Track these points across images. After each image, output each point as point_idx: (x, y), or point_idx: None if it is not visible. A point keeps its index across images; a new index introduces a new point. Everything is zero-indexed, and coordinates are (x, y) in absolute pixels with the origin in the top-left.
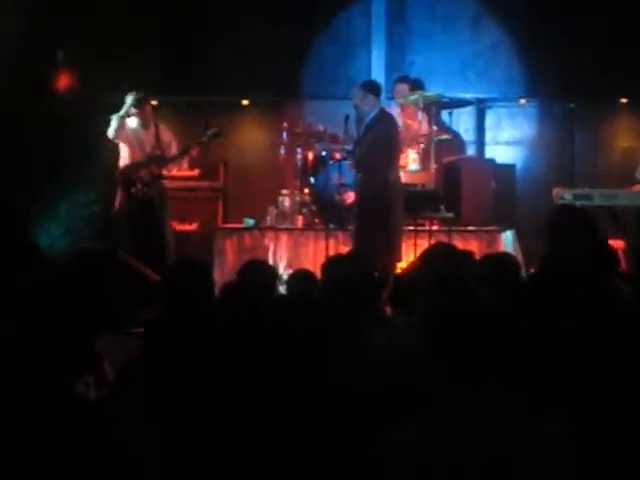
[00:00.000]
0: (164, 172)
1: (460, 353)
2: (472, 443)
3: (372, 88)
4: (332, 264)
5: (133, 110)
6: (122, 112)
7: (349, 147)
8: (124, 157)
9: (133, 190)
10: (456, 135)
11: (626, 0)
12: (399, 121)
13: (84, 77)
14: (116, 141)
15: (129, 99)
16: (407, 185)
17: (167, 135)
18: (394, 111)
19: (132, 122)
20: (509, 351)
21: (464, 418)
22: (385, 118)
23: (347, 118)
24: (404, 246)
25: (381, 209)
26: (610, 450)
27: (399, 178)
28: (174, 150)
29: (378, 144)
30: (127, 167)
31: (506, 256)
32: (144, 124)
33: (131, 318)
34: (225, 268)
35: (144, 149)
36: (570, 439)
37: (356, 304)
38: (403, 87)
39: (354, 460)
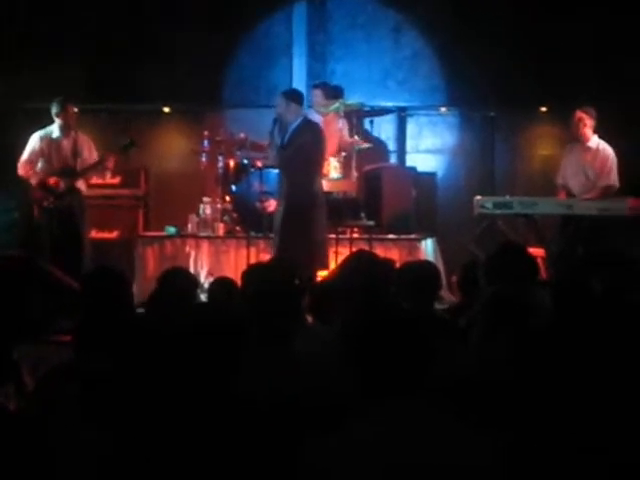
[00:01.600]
0: (78, 183)
1: (379, 361)
2: (391, 452)
3: (294, 96)
4: (253, 272)
5: (56, 112)
6: (41, 133)
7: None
8: (39, 169)
9: (45, 203)
10: (378, 143)
11: (545, 8)
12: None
13: (3, 84)
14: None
15: (53, 107)
16: (328, 193)
17: (86, 143)
18: (316, 119)
19: (54, 130)
20: (430, 359)
21: (382, 428)
22: (309, 126)
23: (275, 121)
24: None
25: (305, 217)
26: (537, 460)
27: (322, 186)
28: (93, 158)
29: (303, 152)
30: (40, 181)
31: (426, 264)
32: (65, 129)
33: (50, 326)
34: (146, 276)
35: (61, 158)
36: (494, 447)
37: (276, 312)
38: (317, 93)
39: (273, 471)
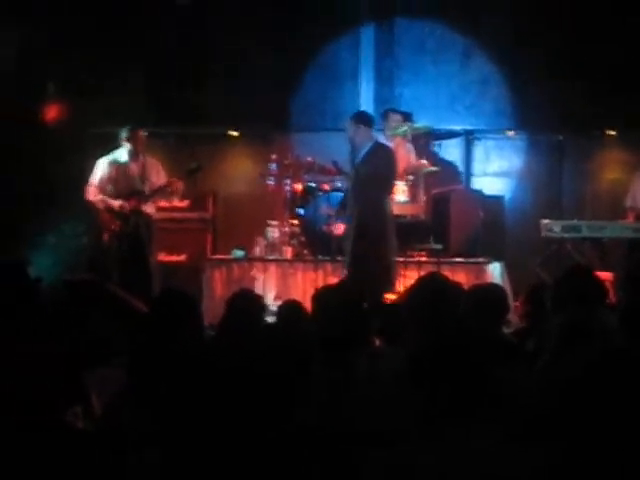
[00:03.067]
0: (147, 207)
1: (445, 384)
2: (454, 474)
3: (364, 119)
4: (322, 294)
5: (125, 137)
6: (110, 158)
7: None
8: (107, 193)
9: (113, 227)
10: (446, 166)
11: (612, 32)
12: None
13: (73, 109)
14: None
15: (123, 132)
16: (396, 216)
17: (154, 167)
18: (386, 143)
19: (122, 154)
20: (496, 384)
21: (442, 450)
22: (382, 150)
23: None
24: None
25: (376, 239)
26: None
27: (392, 208)
28: (162, 182)
29: (375, 176)
30: (107, 205)
31: (494, 287)
32: (134, 154)
33: (118, 349)
34: (214, 299)
35: (130, 183)
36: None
37: (346, 335)
38: (396, 117)
39: None
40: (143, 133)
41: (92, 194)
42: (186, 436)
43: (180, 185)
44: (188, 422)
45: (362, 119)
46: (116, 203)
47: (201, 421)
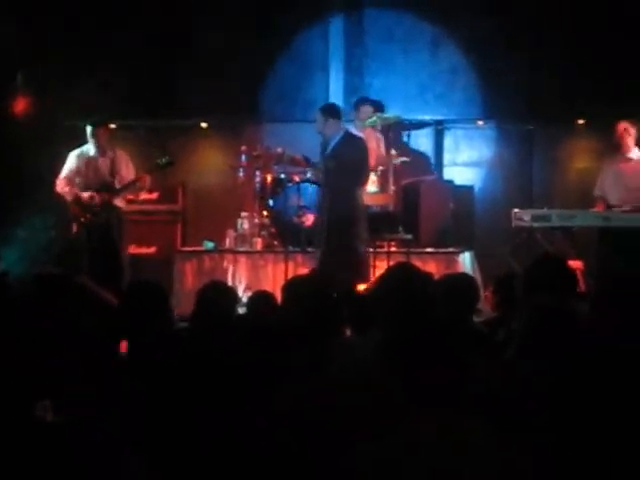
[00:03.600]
0: (117, 200)
1: (416, 373)
2: (427, 464)
3: (332, 111)
4: (292, 285)
5: (89, 134)
6: (78, 151)
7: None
8: (77, 185)
9: (83, 219)
10: (416, 156)
11: (583, 22)
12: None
13: (41, 101)
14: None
15: (87, 129)
16: (366, 207)
17: (124, 161)
18: (356, 133)
19: (90, 148)
20: (465, 371)
21: (421, 439)
22: (352, 140)
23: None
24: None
25: (347, 230)
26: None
27: (363, 199)
28: (131, 176)
29: (346, 167)
30: (75, 197)
31: (464, 277)
32: (100, 150)
33: (90, 341)
34: (184, 291)
35: (99, 176)
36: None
37: (316, 325)
38: (366, 108)
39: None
40: (106, 128)
41: (60, 186)
42: (160, 425)
43: (148, 180)
44: (161, 412)
45: (330, 111)
46: (85, 194)
47: (174, 410)
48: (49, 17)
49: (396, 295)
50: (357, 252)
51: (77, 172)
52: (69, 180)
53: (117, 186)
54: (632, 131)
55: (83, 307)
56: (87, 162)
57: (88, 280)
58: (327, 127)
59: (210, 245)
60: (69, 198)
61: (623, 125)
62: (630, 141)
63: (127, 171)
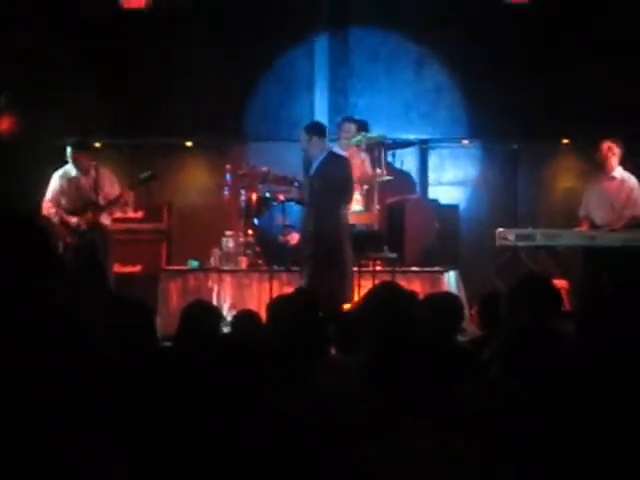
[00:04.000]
0: (102, 218)
1: (403, 392)
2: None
3: (316, 130)
4: (277, 304)
5: (67, 157)
6: (61, 172)
7: (296, 185)
8: (63, 207)
9: (69, 240)
10: (401, 176)
11: (567, 41)
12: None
13: (27, 121)
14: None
15: (68, 150)
16: (351, 225)
17: (107, 178)
18: (340, 152)
19: (71, 169)
20: (452, 391)
21: (405, 456)
22: (336, 160)
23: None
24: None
25: (333, 250)
26: None
27: (348, 219)
28: (115, 192)
29: (330, 186)
30: (61, 219)
31: (449, 296)
32: (82, 171)
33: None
34: (169, 310)
35: (82, 195)
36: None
37: (300, 343)
38: (350, 127)
39: None
40: (86, 152)
41: (46, 209)
42: (141, 443)
43: (130, 196)
44: (144, 432)
45: (315, 130)
46: (73, 220)
47: (156, 430)
48: (34, 36)
49: (381, 314)
50: (343, 271)
51: (61, 192)
52: (55, 201)
53: (102, 203)
54: (616, 150)
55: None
56: (70, 182)
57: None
58: (311, 146)
59: (195, 264)
60: (55, 220)
61: (607, 144)
62: (614, 160)
63: (111, 188)
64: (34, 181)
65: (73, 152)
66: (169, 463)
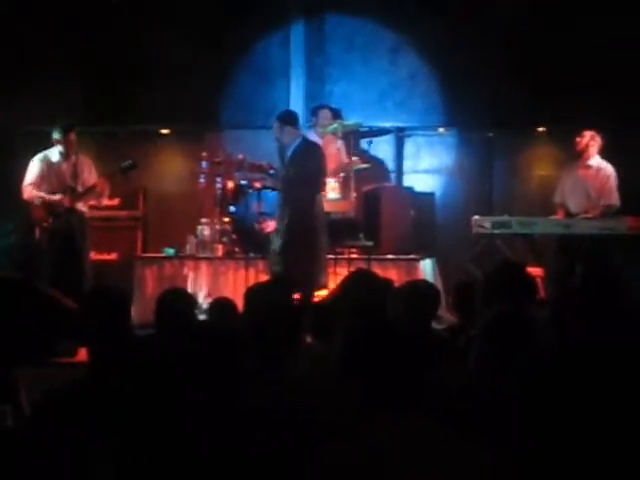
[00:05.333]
0: (79, 204)
1: (377, 379)
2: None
3: (288, 119)
4: (254, 292)
5: (56, 139)
6: (41, 156)
7: (272, 172)
8: (40, 190)
9: (45, 224)
10: (377, 163)
11: (542, 30)
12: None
13: (1, 108)
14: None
15: (54, 133)
16: (327, 213)
17: (86, 165)
18: (315, 140)
19: (53, 154)
20: (426, 377)
21: (382, 444)
22: (309, 147)
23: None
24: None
25: (306, 238)
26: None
27: (322, 206)
28: (92, 180)
29: (303, 173)
30: (43, 201)
31: (424, 283)
32: (65, 154)
33: (47, 347)
34: (145, 297)
35: (61, 181)
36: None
37: (275, 331)
38: (326, 113)
39: None
40: (74, 134)
41: (27, 192)
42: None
43: (106, 185)
44: (122, 418)
45: (287, 119)
46: (55, 197)
47: (134, 417)
48: (12, 23)
49: (356, 302)
50: (315, 259)
51: (40, 177)
52: (34, 185)
53: (80, 189)
54: (598, 139)
55: (42, 313)
56: (49, 167)
57: (47, 286)
58: (284, 134)
59: (170, 252)
60: (37, 202)
61: (590, 133)
62: (593, 150)
63: (89, 175)
64: (7, 168)
65: (65, 134)
66: (143, 453)
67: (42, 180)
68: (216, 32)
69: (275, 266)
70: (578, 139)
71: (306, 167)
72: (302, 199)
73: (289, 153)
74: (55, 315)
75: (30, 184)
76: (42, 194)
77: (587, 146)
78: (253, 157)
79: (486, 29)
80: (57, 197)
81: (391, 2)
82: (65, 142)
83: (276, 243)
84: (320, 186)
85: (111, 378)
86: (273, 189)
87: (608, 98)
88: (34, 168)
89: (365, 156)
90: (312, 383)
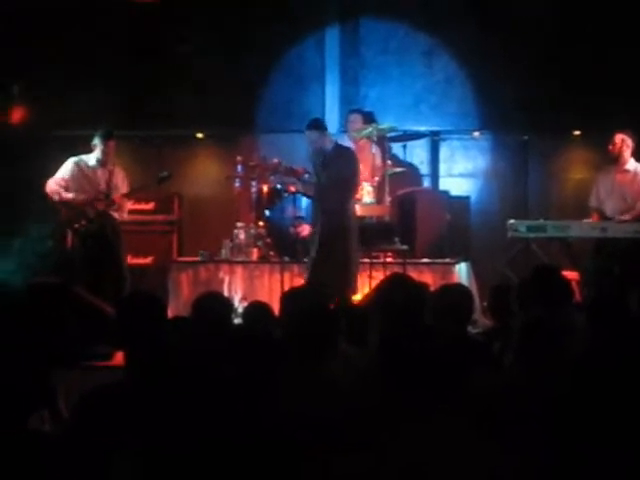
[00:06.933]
0: (112, 211)
1: (412, 385)
2: (423, 472)
3: (322, 126)
4: (291, 296)
5: (96, 144)
6: (77, 159)
7: (307, 177)
8: (72, 193)
9: (76, 226)
10: (411, 167)
11: (578, 34)
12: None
13: (37, 111)
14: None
15: (95, 139)
16: (362, 218)
17: (120, 176)
18: (348, 144)
19: (90, 158)
20: (463, 382)
21: (418, 448)
22: (343, 152)
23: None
24: (359, 278)
25: (340, 242)
26: None
27: (355, 211)
28: (124, 191)
29: (337, 179)
30: (73, 204)
31: (460, 287)
32: (103, 161)
33: (85, 352)
34: (180, 301)
35: (94, 186)
36: (526, 471)
37: (312, 335)
38: (357, 117)
39: None
40: (114, 142)
41: (49, 186)
42: (156, 436)
43: (124, 202)
44: (159, 422)
45: (316, 126)
46: (70, 195)
47: (172, 422)
48: (47, 27)
49: (392, 306)
50: (347, 264)
51: (72, 177)
52: (61, 183)
53: (114, 197)
54: (630, 142)
55: (79, 317)
56: (84, 171)
57: (84, 290)
58: (317, 142)
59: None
60: (56, 198)
61: (621, 136)
62: (627, 153)
63: (122, 186)
64: (41, 171)
65: (105, 140)
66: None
67: (73, 181)
68: (251, 35)
69: (311, 271)
70: (610, 146)
71: (340, 172)
72: (336, 204)
73: (323, 159)
74: (92, 319)
75: (55, 181)
76: (60, 190)
77: (620, 150)
78: (288, 161)
79: (520, 31)
80: (71, 195)
81: (426, 5)
82: (104, 148)
83: (312, 248)
84: (354, 191)
85: (147, 382)
86: (304, 194)
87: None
88: (66, 167)
89: (400, 160)
90: (348, 387)
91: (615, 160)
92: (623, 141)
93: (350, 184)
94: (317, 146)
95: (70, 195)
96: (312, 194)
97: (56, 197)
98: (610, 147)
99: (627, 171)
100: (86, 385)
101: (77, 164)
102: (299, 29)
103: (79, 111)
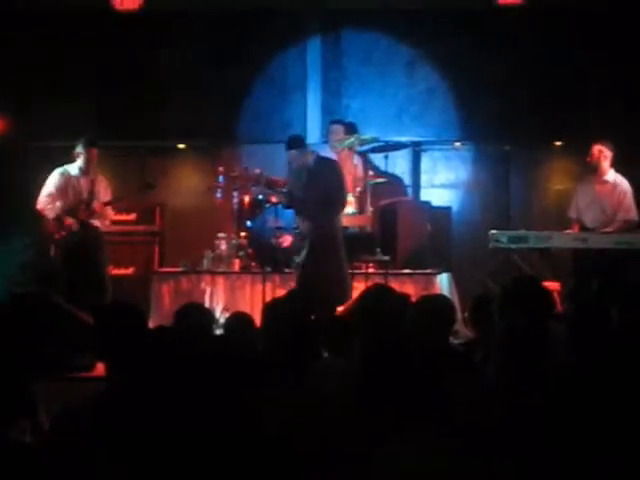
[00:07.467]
0: (93, 220)
1: (393, 394)
2: None
3: (296, 144)
4: (272, 307)
5: (78, 152)
6: (61, 169)
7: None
8: (56, 204)
9: (58, 237)
10: (393, 178)
11: (558, 45)
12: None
13: (17, 122)
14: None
15: (77, 147)
16: (344, 228)
17: (103, 185)
18: (330, 155)
19: (73, 168)
20: (445, 392)
21: (399, 458)
22: (326, 164)
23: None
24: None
25: (333, 256)
26: None
27: (341, 221)
28: (106, 199)
29: (325, 195)
30: (56, 216)
31: (441, 298)
32: (85, 169)
33: (67, 363)
34: (162, 312)
35: (77, 195)
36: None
37: (293, 346)
38: (338, 128)
39: None
40: (96, 150)
41: (42, 204)
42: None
43: (105, 210)
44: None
45: (299, 144)
46: (68, 220)
47: (154, 432)
48: (31, 39)
49: (373, 317)
50: (338, 274)
51: (59, 190)
52: (52, 198)
53: (95, 207)
54: (607, 153)
55: (60, 327)
56: (68, 181)
57: (64, 301)
58: (298, 159)
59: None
60: (51, 216)
61: (598, 147)
62: (606, 164)
63: (104, 195)
64: (24, 182)
65: (88, 148)
66: (159, 464)
67: (59, 194)
68: (233, 47)
69: (302, 284)
70: (588, 158)
71: (327, 188)
72: (324, 218)
73: (307, 174)
74: (73, 331)
75: (46, 196)
76: (55, 208)
77: (598, 161)
78: (270, 172)
79: (502, 42)
80: (69, 221)
81: (407, 16)
82: (87, 156)
83: (299, 261)
84: (343, 204)
85: (129, 393)
86: (285, 206)
87: (623, 111)
88: (53, 180)
89: (382, 171)
90: (329, 397)
91: (594, 170)
92: (600, 152)
93: (339, 198)
94: (299, 163)
95: (58, 206)
96: (294, 205)
97: (51, 215)
98: (588, 159)
99: (606, 182)
100: (67, 396)
101: (62, 174)
102: (281, 40)
103: (59, 122)
